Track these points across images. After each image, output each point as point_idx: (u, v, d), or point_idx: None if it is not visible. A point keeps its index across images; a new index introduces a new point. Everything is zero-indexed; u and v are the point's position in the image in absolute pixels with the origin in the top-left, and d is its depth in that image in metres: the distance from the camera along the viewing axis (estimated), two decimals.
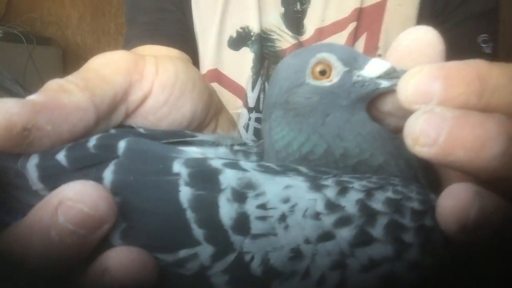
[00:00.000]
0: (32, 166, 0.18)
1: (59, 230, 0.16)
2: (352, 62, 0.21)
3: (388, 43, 0.56)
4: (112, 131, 0.20)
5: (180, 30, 0.60)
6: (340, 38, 0.59)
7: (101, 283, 0.16)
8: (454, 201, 0.16)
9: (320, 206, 0.16)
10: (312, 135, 0.19)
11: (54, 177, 0.17)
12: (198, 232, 0.16)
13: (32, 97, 0.19)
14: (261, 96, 0.60)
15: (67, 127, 0.18)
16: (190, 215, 0.16)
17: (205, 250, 0.16)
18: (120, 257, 0.16)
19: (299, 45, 0.59)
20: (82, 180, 0.16)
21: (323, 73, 0.20)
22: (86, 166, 0.18)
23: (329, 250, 0.16)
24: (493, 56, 0.60)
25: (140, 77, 0.22)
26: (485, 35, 0.59)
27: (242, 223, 0.16)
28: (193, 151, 0.19)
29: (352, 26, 0.58)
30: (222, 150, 0.21)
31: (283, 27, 0.60)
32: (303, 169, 0.18)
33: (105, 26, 2.52)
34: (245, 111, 0.61)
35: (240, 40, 0.60)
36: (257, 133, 0.60)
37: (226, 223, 0.16)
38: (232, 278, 0.15)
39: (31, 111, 0.18)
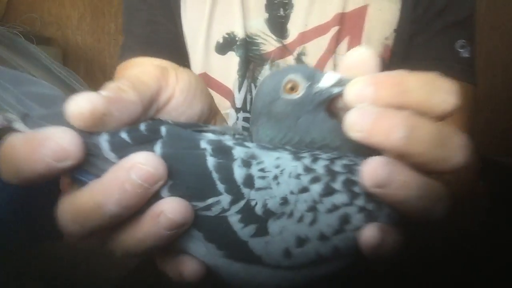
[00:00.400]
0: (104, 141, 0.25)
1: (131, 183, 0.23)
2: (312, 78, 0.29)
3: (369, 45, 0.56)
4: (150, 121, 0.28)
5: (171, 41, 0.66)
6: (323, 41, 0.61)
7: (157, 222, 0.24)
8: (369, 165, 0.24)
9: (300, 170, 0.25)
10: (288, 133, 0.29)
11: (121, 149, 0.25)
12: (220, 186, 0.25)
13: (103, 93, 0.26)
14: (248, 96, 0.64)
15: (126, 115, 0.26)
16: (214, 175, 0.25)
17: (225, 198, 0.25)
18: (171, 203, 0.24)
19: (283, 48, 0.62)
20: (145, 151, 0.24)
21: (292, 89, 0.29)
22: (142, 142, 0.26)
23: (306, 199, 0.25)
24: (471, 59, 0.63)
25: (166, 83, 0.30)
26: (463, 40, 0.61)
27: (249, 180, 0.25)
28: (210, 136, 0.28)
29: (334, 30, 0.60)
30: (228, 137, 0.29)
31: (268, 32, 0.62)
32: (287, 147, 0.28)
33: (105, 26, 2.52)
34: (232, 111, 0.65)
35: (226, 45, 0.64)
36: (245, 131, 0.60)
37: (239, 180, 0.25)
38: (243, 217, 0.25)
39: (106, 102, 0.25)
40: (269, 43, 0.63)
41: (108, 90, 0.26)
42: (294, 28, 0.62)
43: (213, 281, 0.28)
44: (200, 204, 0.25)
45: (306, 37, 0.62)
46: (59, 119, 0.24)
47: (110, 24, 2.53)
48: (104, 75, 2.57)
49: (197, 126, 0.30)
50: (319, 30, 0.61)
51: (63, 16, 2.47)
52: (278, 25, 0.62)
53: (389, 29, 0.60)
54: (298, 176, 0.25)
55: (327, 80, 0.29)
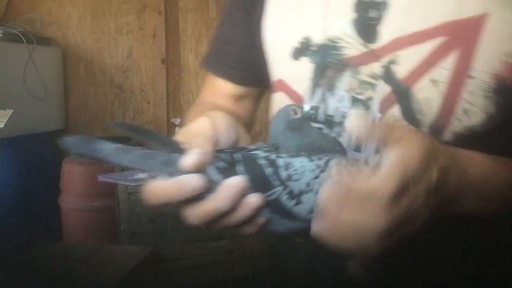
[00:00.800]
0: (212, 169, 0.42)
1: (233, 193, 0.40)
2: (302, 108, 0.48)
3: (485, 64, 0.50)
4: (227, 152, 0.45)
5: (245, 56, 0.69)
6: (421, 51, 0.52)
7: (247, 208, 0.40)
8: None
9: (313, 167, 0.42)
10: (302, 140, 0.46)
11: (223, 172, 0.41)
12: (275, 183, 0.42)
13: (196, 155, 0.40)
14: (321, 106, 0.57)
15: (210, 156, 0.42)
16: (271, 178, 0.42)
17: (278, 189, 0.42)
18: (252, 197, 0.40)
19: (370, 53, 0.55)
20: (235, 175, 0.41)
21: (296, 113, 0.46)
22: (232, 165, 0.42)
23: (318, 181, 0.41)
24: None
25: (217, 132, 0.46)
26: None
27: (288, 177, 0.42)
28: (260, 153, 0.44)
29: (439, 40, 0.51)
30: (270, 151, 0.45)
31: (353, 34, 0.56)
32: (303, 153, 0.44)
33: (105, 26, 2.52)
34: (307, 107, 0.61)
35: (300, 50, 0.60)
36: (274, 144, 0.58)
37: (284, 178, 0.42)
38: (288, 197, 0.42)
39: (199, 158, 0.40)
40: (353, 47, 0.55)
41: (198, 150, 0.41)
42: (387, 31, 0.54)
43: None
44: (266, 194, 0.42)
45: (400, 43, 0.53)
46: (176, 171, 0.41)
47: (110, 24, 2.54)
48: (104, 75, 2.57)
49: (244, 148, 0.46)
50: (419, 37, 0.52)
51: (63, 16, 2.47)
52: (368, 27, 0.55)
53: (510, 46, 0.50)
54: (313, 171, 0.43)
55: (306, 107, 0.48)
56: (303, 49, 0.59)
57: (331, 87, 0.58)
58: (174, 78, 2.59)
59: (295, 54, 0.60)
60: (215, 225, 0.44)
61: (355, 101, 0.56)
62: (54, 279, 1.32)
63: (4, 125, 1.66)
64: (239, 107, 0.71)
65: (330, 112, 0.55)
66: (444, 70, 0.51)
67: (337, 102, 0.57)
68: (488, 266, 0.56)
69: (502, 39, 0.50)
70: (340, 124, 0.51)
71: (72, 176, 2.04)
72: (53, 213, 2.09)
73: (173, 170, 0.40)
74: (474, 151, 0.48)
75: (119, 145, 0.40)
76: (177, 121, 2.60)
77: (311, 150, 0.45)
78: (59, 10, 2.46)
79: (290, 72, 0.62)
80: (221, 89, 0.72)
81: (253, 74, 0.69)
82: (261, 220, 0.42)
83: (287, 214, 0.43)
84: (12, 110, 1.71)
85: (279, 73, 0.64)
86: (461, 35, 0.51)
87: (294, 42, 0.60)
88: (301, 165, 0.43)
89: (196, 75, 2.61)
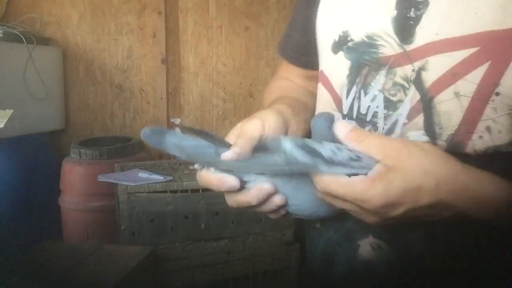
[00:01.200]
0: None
1: (262, 194, 0.52)
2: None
3: None
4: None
5: (303, 44, 0.73)
6: (450, 60, 0.49)
7: (272, 204, 0.53)
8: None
9: (335, 149, 0.48)
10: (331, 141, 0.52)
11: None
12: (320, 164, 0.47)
13: (237, 150, 0.50)
14: (355, 104, 0.58)
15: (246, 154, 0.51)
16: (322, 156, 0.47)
17: (322, 165, 0.46)
18: (276, 196, 0.53)
19: (404, 54, 0.53)
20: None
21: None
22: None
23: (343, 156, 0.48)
24: None
25: (264, 132, 0.55)
26: None
27: (331, 158, 0.46)
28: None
29: (473, 50, 0.48)
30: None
31: (391, 33, 0.54)
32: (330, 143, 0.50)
33: (105, 26, 2.52)
34: (339, 115, 0.61)
35: (339, 44, 0.60)
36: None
37: (326, 155, 0.46)
38: (327, 166, 0.46)
39: (237, 154, 0.50)
40: (390, 46, 0.54)
41: (237, 147, 0.50)
42: (423, 34, 0.51)
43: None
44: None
45: (433, 48, 0.50)
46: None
47: (110, 24, 2.54)
48: (104, 75, 2.57)
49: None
50: (452, 44, 0.49)
51: (63, 16, 2.47)
52: (406, 26, 0.53)
53: None
54: (335, 152, 0.46)
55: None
56: (341, 44, 0.59)
57: (365, 85, 0.57)
58: (174, 78, 2.59)
59: (334, 48, 0.60)
60: (247, 209, 0.54)
61: (387, 101, 0.55)
62: (54, 279, 1.32)
63: (4, 125, 1.66)
64: (310, 85, 0.76)
65: (363, 111, 0.57)
66: (469, 83, 0.48)
67: (370, 101, 0.56)
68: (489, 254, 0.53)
69: None
70: (371, 123, 0.57)
71: (72, 176, 2.04)
72: (53, 213, 2.09)
73: (219, 162, 0.50)
74: (489, 174, 0.44)
75: (181, 136, 0.52)
76: (177, 121, 2.59)
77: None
78: (59, 10, 2.46)
79: (329, 65, 0.63)
80: (291, 70, 0.79)
81: (315, 59, 0.69)
82: (282, 211, 0.54)
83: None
84: (12, 110, 1.70)
85: (321, 63, 0.66)
86: (496, 47, 0.46)
87: (335, 35, 0.60)
88: (333, 148, 0.49)
89: (196, 75, 2.61)
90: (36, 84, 2.15)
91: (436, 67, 0.50)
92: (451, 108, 0.49)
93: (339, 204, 0.48)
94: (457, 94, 0.49)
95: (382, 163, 0.44)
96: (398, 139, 0.50)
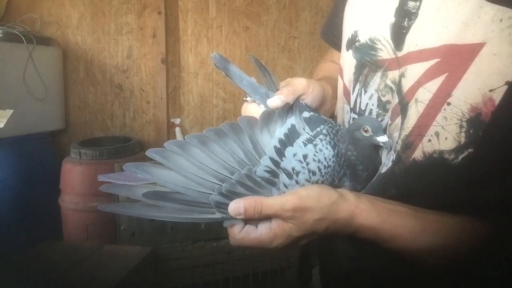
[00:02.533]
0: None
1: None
2: (376, 131, 0.58)
3: (465, 94, 0.49)
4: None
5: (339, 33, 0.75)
6: (419, 70, 0.53)
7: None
8: None
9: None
10: (354, 149, 0.59)
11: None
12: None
13: (282, 97, 0.58)
14: (358, 99, 0.63)
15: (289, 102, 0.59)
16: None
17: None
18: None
19: (396, 60, 0.57)
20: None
21: (366, 131, 0.58)
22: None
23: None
24: None
25: (306, 91, 0.61)
26: None
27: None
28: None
29: (434, 61, 0.52)
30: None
31: (388, 38, 0.58)
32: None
33: (105, 26, 2.52)
34: (348, 108, 0.67)
35: (350, 42, 0.65)
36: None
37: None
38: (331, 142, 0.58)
39: (281, 102, 0.58)
40: (386, 51, 0.59)
41: (282, 95, 0.57)
42: (408, 42, 0.56)
43: None
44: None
45: (411, 57, 0.55)
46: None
47: (110, 24, 2.53)
48: (104, 75, 2.57)
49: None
50: (423, 55, 0.53)
51: (63, 16, 2.47)
52: (399, 34, 0.57)
53: (498, 80, 0.47)
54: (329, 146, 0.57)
55: (382, 138, 0.56)
56: (351, 42, 0.64)
57: (366, 84, 0.62)
58: (174, 78, 2.59)
59: (347, 45, 0.66)
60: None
61: (379, 101, 0.60)
62: (54, 279, 1.32)
63: (4, 125, 1.66)
64: None
65: (362, 107, 0.63)
66: (426, 92, 0.52)
67: (368, 99, 0.62)
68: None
69: (489, 71, 0.48)
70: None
71: (72, 176, 2.04)
72: (53, 213, 2.09)
73: (265, 101, 0.58)
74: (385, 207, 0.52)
75: (240, 70, 0.62)
76: (177, 121, 2.59)
77: None
78: (59, 10, 2.46)
79: (344, 59, 0.68)
80: (335, 53, 0.82)
81: None
82: None
83: None
84: (12, 110, 1.70)
85: (341, 56, 0.70)
86: (454, 61, 0.50)
87: (349, 32, 0.65)
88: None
89: (196, 75, 2.61)
90: (36, 84, 2.15)
91: (411, 74, 0.54)
92: (411, 112, 0.54)
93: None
94: (416, 100, 0.53)
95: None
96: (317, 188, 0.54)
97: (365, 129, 0.56)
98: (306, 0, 2.65)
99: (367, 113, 0.62)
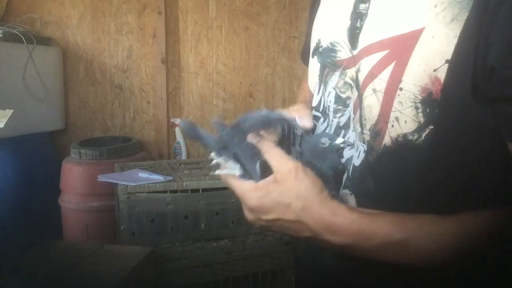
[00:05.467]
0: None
1: None
2: (332, 139, 0.65)
3: (414, 77, 0.53)
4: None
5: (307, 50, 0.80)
6: (371, 62, 0.58)
7: None
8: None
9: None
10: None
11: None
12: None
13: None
14: (322, 99, 0.70)
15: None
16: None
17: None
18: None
19: (352, 59, 0.63)
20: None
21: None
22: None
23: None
24: None
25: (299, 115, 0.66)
26: None
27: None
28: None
29: (384, 53, 0.56)
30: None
31: (346, 40, 0.64)
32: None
33: (105, 26, 2.52)
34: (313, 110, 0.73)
35: (314, 50, 0.71)
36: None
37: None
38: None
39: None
40: (344, 51, 0.65)
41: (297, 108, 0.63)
42: (362, 40, 0.61)
43: None
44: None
45: (364, 52, 0.60)
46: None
47: (110, 24, 2.53)
48: (104, 75, 2.57)
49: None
50: (373, 48, 0.58)
51: (63, 16, 2.47)
52: (354, 35, 0.63)
53: (439, 59, 0.52)
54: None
55: (338, 140, 0.62)
56: (316, 49, 0.70)
57: (325, 83, 0.68)
58: (174, 78, 2.59)
59: (312, 53, 0.72)
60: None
61: (337, 98, 0.66)
62: (54, 279, 1.32)
63: (4, 125, 1.66)
64: None
65: (325, 105, 0.69)
66: (381, 81, 0.57)
67: (327, 97, 0.68)
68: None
69: (431, 53, 0.52)
70: (326, 115, 0.70)
71: (72, 176, 2.04)
72: (53, 213, 2.09)
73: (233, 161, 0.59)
74: (346, 208, 0.56)
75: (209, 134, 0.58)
76: (177, 121, 2.59)
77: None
78: (59, 10, 2.46)
79: (310, 66, 0.74)
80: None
81: None
82: None
83: None
84: (12, 110, 1.70)
85: (308, 67, 0.75)
86: (399, 49, 0.55)
87: (314, 42, 0.71)
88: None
89: (196, 75, 2.61)
90: (36, 84, 2.15)
91: (364, 68, 0.59)
92: (371, 102, 0.58)
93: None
94: (374, 91, 0.58)
95: (273, 175, 0.56)
96: (297, 163, 0.57)
97: (322, 142, 0.62)
98: (306, 0, 2.65)
99: (327, 110, 0.68)
